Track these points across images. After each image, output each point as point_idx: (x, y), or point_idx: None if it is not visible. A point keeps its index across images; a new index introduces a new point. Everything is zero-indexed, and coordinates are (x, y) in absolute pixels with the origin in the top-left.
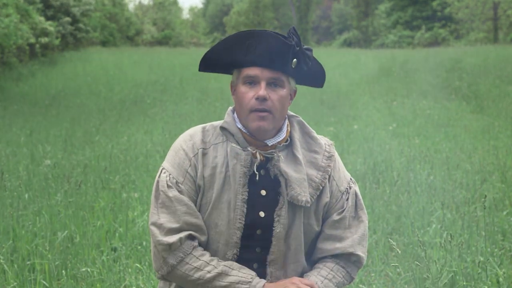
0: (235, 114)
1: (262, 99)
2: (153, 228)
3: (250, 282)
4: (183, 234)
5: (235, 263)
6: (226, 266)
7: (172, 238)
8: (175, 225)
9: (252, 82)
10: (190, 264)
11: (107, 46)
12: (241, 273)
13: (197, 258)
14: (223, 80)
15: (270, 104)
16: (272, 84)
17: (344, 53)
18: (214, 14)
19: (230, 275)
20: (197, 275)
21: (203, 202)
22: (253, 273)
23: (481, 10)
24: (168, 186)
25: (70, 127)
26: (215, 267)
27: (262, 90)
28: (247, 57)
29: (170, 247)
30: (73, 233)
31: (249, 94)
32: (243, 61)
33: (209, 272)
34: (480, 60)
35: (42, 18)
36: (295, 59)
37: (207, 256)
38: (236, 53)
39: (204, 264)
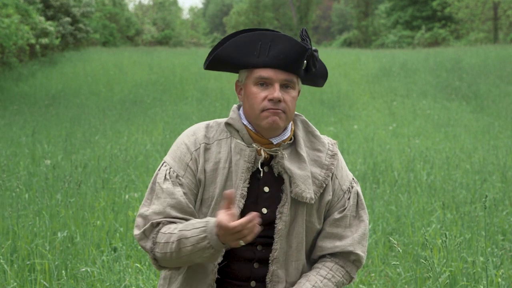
0: (240, 111)
1: (276, 101)
2: (138, 219)
3: (205, 236)
4: (154, 220)
5: (188, 222)
6: (181, 229)
7: (145, 226)
8: (158, 217)
9: (264, 83)
10: (161, 242)
11: (107, 46)
12: (195, 231)
13: (163, 233)
14: (223, 80)
15: (283, 105)
16: (284, 85)
17: (344, 53)
18: (214, 14)
19: (188, 237)
20: (168, 249)
21: (205, 196)
22: (202, 224)
23: (481, 10)
24: (165, 179)
25: (70, 127)
26: (173, 235)
27: (276, 92)
28: (260, 58)
29: (144, 234)
30: (73, 233)
31: (261, 95)
32: (256, 62)
33: (173, 243)
34: (480, 60)
35: (42, 18)
36: (305, 61)
37: (171, 227)
38: (247, 54)
39: (168, 236)
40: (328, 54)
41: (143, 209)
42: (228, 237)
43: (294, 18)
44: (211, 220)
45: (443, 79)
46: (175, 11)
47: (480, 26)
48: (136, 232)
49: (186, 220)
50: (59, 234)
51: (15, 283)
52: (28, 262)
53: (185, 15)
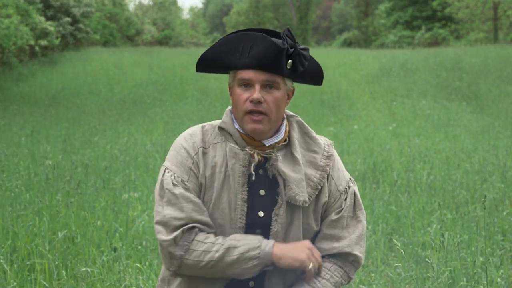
0: (233, 115)
1: (256, 102)
2: (158, 227)
3: (259, 246)
4: (185, 227)
5: (239, 235)
6: (231, 239)
7: (175, 233)
8: (181, 222)
9: (247, 84)
10: (197, 250)
11: (107, 46)
12: (248, 240)
13: (202, 242)
14: (223, 80)
15: (265, 106)
16: (267, 86)
17: (344, 53)
18: (214, 14)
19: (237, 247)
20: (207, 258)
21: (205, 200)
22: (260, 237)
23: (481, 10)
24: (174, 184)
25: (70, 127)
26: (222, 244)
27: (256, 93)
28: (241, 60)
29: (174, 241)
30: (73, 233)
31: (244, 96)
32: (238, 63)
33: (217, 251)
34: (480, 60)
35: (42, 18)
36: (290, 61)
37: (211, 237)
38: (230, 56)
39: (210, 245)
40: (328, 54)
41: (159, 216)
42: (302, 253)
43: (294, 18)
44: (267, 241)
45: (443, 79)
46: (175, 11)
47: (480, 26)
48: (164, 237)
49: (208, 223)
50: (59, 234)
51: (15, 283)
52: (28, 262)
53: (185, 15)
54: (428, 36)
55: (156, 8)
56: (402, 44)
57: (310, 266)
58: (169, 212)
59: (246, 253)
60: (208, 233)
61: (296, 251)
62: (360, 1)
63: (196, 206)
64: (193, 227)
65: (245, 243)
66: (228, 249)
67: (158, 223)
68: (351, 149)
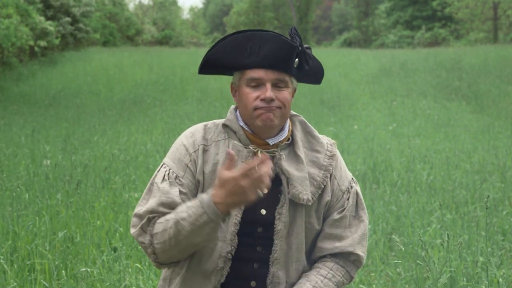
0: (237, 112)
1: (269, 101)
2: (134, 219)
3: (204, 212)
4: (150, 215)
5: (179, 206)
6: (175, 212)
7: (142, 222)
8: (152, 214)
9: (257, 84)
10: (158, 231)
11: (107, 46)
12: (190, 208)
13: (159, 223)
14: (223, 80)
15: (277, 103)
16: (277, 85)
17: (344, 53)
18: (214, 14)
19: (184, 218)
20: (166, 236)
21: None
22: (197, 201)
23: (481, 10)
24: (163, 179)
25: (70, 127)
26: (170, 220)
27: (268, 92)
28: (250, 59)
29: (141, 228)
30: (73, 233)
31: (253, 95)
32: (246, 63)
33: (170, 227)
34: (480, 60)
35: (42, 18)
36: (297, 59)
37: (167, 216)
38: (237, 56)
39: (165, 222)
40: (328, 54)
41: (138, 209)
42: (237, 192)
43: (294, 18)
44: (204, 195)
45: (443, 79)
46: (175, 11)
47: (480, 26)
48: (133, 230)
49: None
50: (59, 234)
51: (15, 283)
52: (28, 262)
53: (185, 15)
54: (428, 36)
55: (156, 8)
56: (402, 44)
57: (260, 193)
58: (147, 205)
59: (196, 222)
60: None
61: (234, 195)
62: (360, 1)
63: (172, 203)
64: (156, 213)
65: (189, 213)
66: (177, 223)
67: (135, 215)
68: (351, 149)
